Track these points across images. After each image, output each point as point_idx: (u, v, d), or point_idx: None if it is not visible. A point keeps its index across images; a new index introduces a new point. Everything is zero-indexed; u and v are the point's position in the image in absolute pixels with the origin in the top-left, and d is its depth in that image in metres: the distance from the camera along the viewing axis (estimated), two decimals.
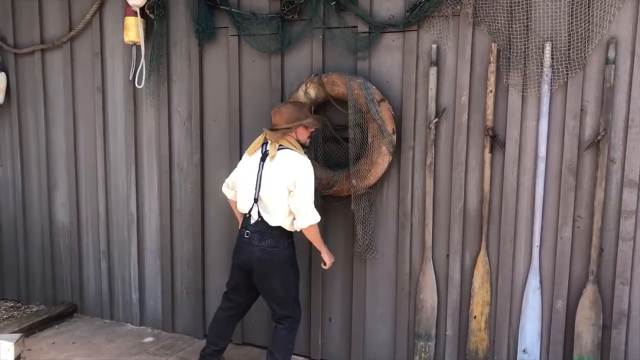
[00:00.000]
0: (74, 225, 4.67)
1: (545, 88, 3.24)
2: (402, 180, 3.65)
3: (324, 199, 3.73)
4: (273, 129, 3.35)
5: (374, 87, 3.54)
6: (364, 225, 3.69)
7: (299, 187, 3.21)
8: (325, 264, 3.50)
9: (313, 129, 3.49)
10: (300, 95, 3.68)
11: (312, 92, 3.66)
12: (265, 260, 3.29)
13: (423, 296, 3.67)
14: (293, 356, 3.60)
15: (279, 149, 3.29)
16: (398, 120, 3.59)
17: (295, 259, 3.43)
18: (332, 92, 3.62)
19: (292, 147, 3.31)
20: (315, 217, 3.28)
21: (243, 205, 3.38)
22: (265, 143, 3.38)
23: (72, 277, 4.73)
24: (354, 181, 3.60)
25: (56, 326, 4.49)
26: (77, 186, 4.62)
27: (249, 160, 3.40)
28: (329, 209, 3.79)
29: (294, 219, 3.30)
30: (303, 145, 3.40)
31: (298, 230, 3.33)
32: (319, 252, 3.50)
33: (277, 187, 3.25)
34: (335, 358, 3.97)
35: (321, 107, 3.76)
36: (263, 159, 3.33)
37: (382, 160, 3.54)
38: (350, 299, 3.88)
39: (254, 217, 3.31)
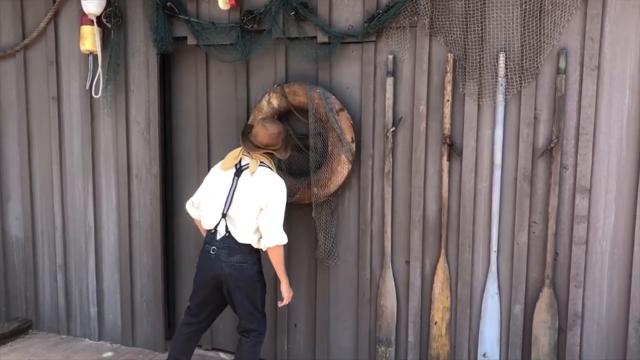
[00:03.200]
0: (28, 239, 4.54)
1: (500, 97, 3.33)
2: (362, 188, 3.69)
3: (287, 207, 3.68)
4: (258, 146, 3.31)
5: (333, 97, 3.58)
6: (325, 233, 3.73)
7: (271, 206, 3.21)
8: (281, 300, 3.43)
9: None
10: (264, 104, 3.71)
11: (275, 102, 3.70)
12: (234, 275, 3.24)
13: (383, 302, 3.71)
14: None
15: (259, 166, 3.29)
16: (358, 129, 3.63)
17: (262, 274, 3.39)
18: (294, 102, 3.66)
19: (270, 166, 3.33)
20: (282, 238, 3.26)
21: (209, 220, 3.32)
22: (241, 158, 3.35)
23: (27, 292, 4.59)
24: (314, 189, 3.64)
25: (10, 344, 4.34)
26: (31, 198, 4.50)
27: (222, 175, 3.34)
28: (292, 217, 3.80)
29: (260, 237, 3.28)
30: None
31: (264, 249, 3.30)
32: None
33: (250, 202, 3.22)
34: None
35: (284, 116, 3.77)
36: (238, 174, 3.29)
37: (342, 168, 3.58)
38: (314, 305, 3.90)
39: (221, 233, 3.26)
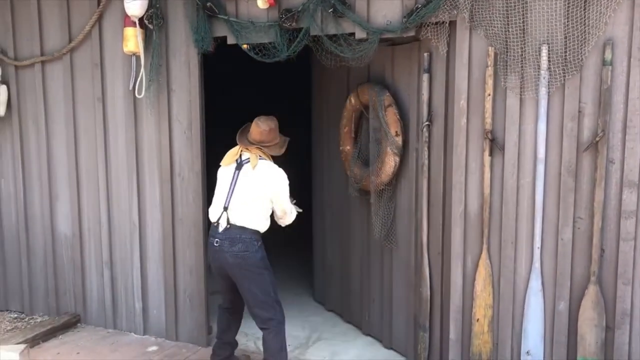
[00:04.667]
0: (76, 236, 4.68)
1: (543, 90, 3.26)
2: (409, 180, 3.88)
3: (359, 192, 4.25)
4: (252, 142, 3.55)
5: (387, 94, 3.83)
6: (380, 218, 4.07)
7: (280, 197, 3.51)
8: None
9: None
10: (347, 103, 4.26)
11: (353, 101, 4.22)
12: (238, 264, 3.43)
13: (421, 289, 3.85)
14: (348, 324, 4.45)
15: (260, 159, 3.52)
16: (407, 125, 3.85)
17: (267, 261, 3.54)
18: (363, 100, 4.12)
19: (268, 159, 3.58)
20: (295, 213, 3.68)
21: (213, 214, 3.57)
22: (241, 154, 3.58)
23: (75, 287, 4.74)
24: (372, 177, 4.03)
25: (60, 337, 4.49)
26: (78, 197, 4.64)
27: (224, 171, 3.60)
28: (363, 202, 4.30)
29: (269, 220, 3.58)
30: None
31: (283, 225, 3.71)
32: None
33: (258, 193, 3.46)
34: (377, 334, 4.41)
35: (362, 112, 4.21)
36: (238, 168, 3.53)
37: (389, 160, 3.86)
38: (383, 284, 4.28)
39: (223, 225, 3.47)
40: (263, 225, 3.53)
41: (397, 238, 4.06)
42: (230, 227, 3.44)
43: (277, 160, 3.66)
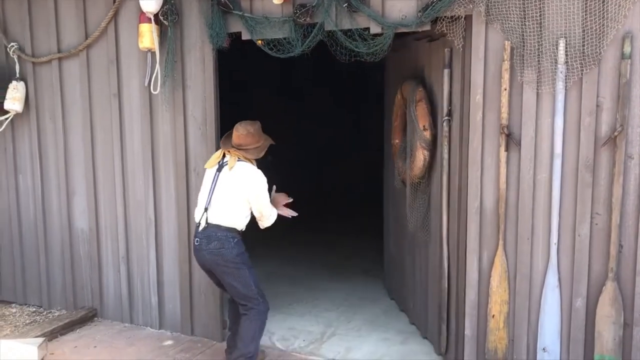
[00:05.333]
0: (93, 231, 4.73)
1: (560, 85, 3.23)
2: (437, 175, 3.90)
3: (402, 184, 4.41)
4: (233, 145, 3.66)
5: (420, 89, 3.90)
6: (413, 209, 4.18)
7: (257, 198, 3.60)
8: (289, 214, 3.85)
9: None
10: (396, 98, 4.37)
11: (399, 96, 4.31)
12: (214, 261, 3.58)
13: (442, 283, 3.87)
14: (402, 313, 4.52)
15: (238, 161, 3.63)
16: (436, 119, 3.88)
17: (246, 256, 3.65)
18: (405, 95, 4.20)
19: (249, 162, 3.66)
20: (274, 216, 3.73)
21: (196, 215, 3.72)
22: (224, 156, 3.70)
23: (92, 282, 4.79)
24: (407, 171, 4.17)
25: (77, 330, 4.55)
26: (95, 192, 4.68)
27: (207, 173, 3.75)
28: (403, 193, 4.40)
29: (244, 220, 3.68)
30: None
31: (262, 228, 3.78)
32: None
33: (235, 194, 3.59)
34: (418, 323, 4.52)
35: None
36: (219, 170, 3.66)
37: (419, 154, 3.92)
38: (420, 275, 4.40)
39: (202, 224, 3.62)
40: (240, 223, 3.64)
41: (430, 231, 4.11)
42: (208, 226, 3.59)
43: None
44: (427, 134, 3.84)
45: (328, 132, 9.49)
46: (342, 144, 9.65)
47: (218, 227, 3.57)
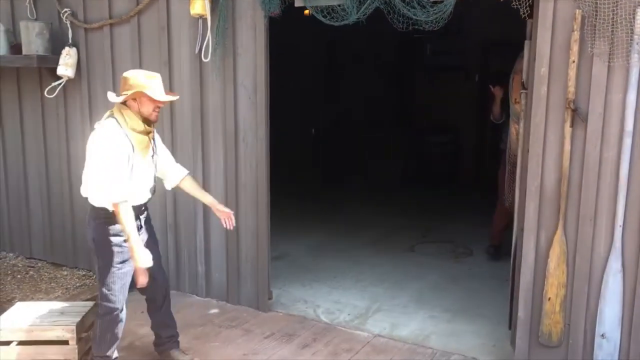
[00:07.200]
0: None
1: (635, 57, 3.01)
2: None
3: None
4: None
5: (521, 58, 3.71)
6: (510, 184, 4.11)
7: (88, 162, 3.09)
8: (137, 280, 3.11)
9: (161, 103, 3.16)
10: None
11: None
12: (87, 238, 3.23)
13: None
14: None
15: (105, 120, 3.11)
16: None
17: (107, 246, 3.09)
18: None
19: (119, 119, 3.06)
20: (112, 197, 2.97)
21: None
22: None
23: None
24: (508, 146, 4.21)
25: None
26: None
27: None
28: None
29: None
30: (147, 121, 3.13)
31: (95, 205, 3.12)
32: None
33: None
34: None
35: None
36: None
37: (512, 128, 3.90)
38: None
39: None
40: (97, 198, 3.09)
41: None
42: (86, 199, 3.18)
43: None
44: (518, 108, 3.71)
45: (371, 106, 9.31)
46: (383, 119, 9.46)
47: (87, 202, 3.17)
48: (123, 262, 3.14)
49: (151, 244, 3.35)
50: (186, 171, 3.54)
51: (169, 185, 3.54)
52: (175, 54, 4.42)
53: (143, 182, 3.23)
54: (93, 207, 3.13)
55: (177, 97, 3.53)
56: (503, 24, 5.18)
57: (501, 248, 5.45)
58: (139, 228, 3.20)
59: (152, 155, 3.28)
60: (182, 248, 4.65)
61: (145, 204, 3.33)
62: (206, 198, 3.54)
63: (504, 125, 5.06)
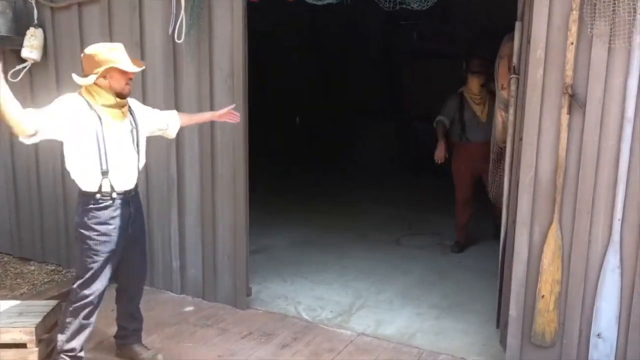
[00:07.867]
0: None
1: (638, 39, 2.82)
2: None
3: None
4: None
5: (507, 42, 3.55)
6: (495, 177, 3.97)
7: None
8: None
9: (132, 73, 3.02)
10: None
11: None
12: None
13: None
14: None
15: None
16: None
17: (89, 232, 2.99)
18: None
19: (84, 96, 2.98)
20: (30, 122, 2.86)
21: None
22: None
23: None
24: (492, 134, 3.94)
25: None
26: None
27: None
28: None
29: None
30: (121, 95, 2.99)
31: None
32: None
33: None
34: None
35: None
36: None
37: (498, 116, 3.70)
38: None
39: None
40: (80, 179, 2.99)
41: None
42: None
43: None
44: (505, 94, 3.50)
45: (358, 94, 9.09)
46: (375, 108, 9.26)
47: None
48: (104, 250, 3.03)
49: (139, 233, 3.24)
50: (174, 111, 3.50)
51: (172, 133, 3.47)
52: (148, 35, 4.15)
53: (124, 161, 3.05)
54: (79, 192, 3.03)
55: (144, 65, 3.35)
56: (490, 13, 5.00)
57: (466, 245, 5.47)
58: (129, 216, 3.10)
59: (132, 130, 3.09)
60: (155, 241, 4.39)
61: (134, 190, 3.15)
62: (205, 116, 3.63)
63: (453, 121, 5.03)
